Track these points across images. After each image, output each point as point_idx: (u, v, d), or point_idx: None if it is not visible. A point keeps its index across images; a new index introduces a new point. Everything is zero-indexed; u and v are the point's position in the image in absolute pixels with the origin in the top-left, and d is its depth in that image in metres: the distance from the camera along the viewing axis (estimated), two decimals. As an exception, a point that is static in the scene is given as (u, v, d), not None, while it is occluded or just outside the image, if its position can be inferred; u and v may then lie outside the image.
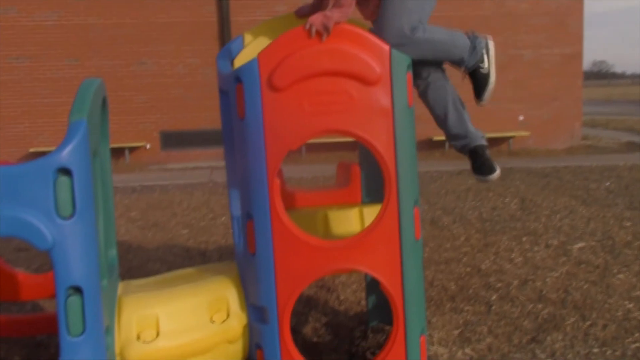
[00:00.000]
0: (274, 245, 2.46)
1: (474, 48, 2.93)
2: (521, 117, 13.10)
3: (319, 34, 2.41)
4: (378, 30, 2.78)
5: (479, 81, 3.02)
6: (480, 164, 3.05)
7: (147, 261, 4.66)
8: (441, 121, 3.09)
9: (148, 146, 12.48)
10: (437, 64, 3.00)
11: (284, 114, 2.42)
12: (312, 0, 2.96)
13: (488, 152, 3.08)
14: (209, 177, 9.88)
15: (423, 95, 3.06)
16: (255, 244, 2.50)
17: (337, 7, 2.50)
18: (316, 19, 2.40)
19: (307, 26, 2.39)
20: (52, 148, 11.77)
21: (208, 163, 11.95)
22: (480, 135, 3.10)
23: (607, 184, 7.78)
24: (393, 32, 2.73)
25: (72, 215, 2.05)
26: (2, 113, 11.99)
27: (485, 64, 2.99)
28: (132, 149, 12.39)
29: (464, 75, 3.04)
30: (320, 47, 2.41)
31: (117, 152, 11.92)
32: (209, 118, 12.15)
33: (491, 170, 3.02)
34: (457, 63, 2.96)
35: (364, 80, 2.42)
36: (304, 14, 2.93)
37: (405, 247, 2.51)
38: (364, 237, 2.49)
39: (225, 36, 12.17)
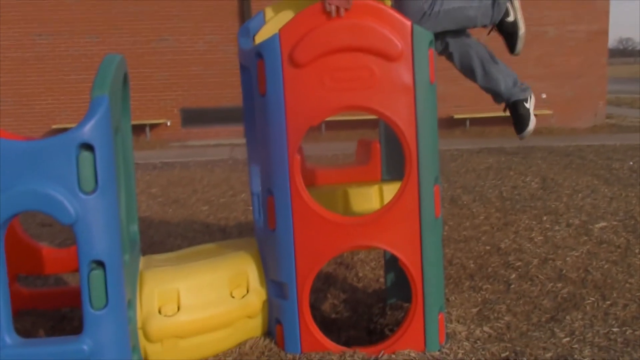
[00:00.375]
0: (294, 222, 2.48)
1: (496, 4, 2.85)
2: (544, 95, 12.92)
3: (338, 11, 2.38)
4: (397, 7, 2.75)
5: (508, 34, 2.94)
6: (515, 121, 3.00)
7: (167, 237, 4.71)
8: (471, 79, 3.02)
9: (169, 123, 12.54)
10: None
11: (305, 90, 2.41)
12: None
13: (526, 105, 2.98)
14: (230, 154, 9.92)
15: (446, 56, 2.99)
16: (275, 220, 2.51)
17: None
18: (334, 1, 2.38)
19: (326, 5, 2.37)
20: (75, 125, 11.87)
21: (228, 140, 11.98)
22: (517, 90, 2.99)
23: (631, 163, 7.66)
24: (411, 11, 2.69)
25: (94, 191, 2.07)
26: (25, 90, 12.11)
27: (512, 15, 2.91)
28: (153, 126, 12.46)
29: (490, 31, 2.99)
30: (341, 22, 2.40)
31: (138, 129, 11.99)
32: (230, 95, 12.16)
33: (523, 126, 2.96)
34: (483, 26, 2.91)
35: (386, 56, 2.40)
36: None
37: (425, 224, 2.51)
38: (383, 214, 2.49)
39: (245, 13, 12.11)
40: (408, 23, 2.42)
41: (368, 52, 2.41)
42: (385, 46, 2.40)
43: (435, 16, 2.73)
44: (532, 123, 2.98)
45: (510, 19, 2.91)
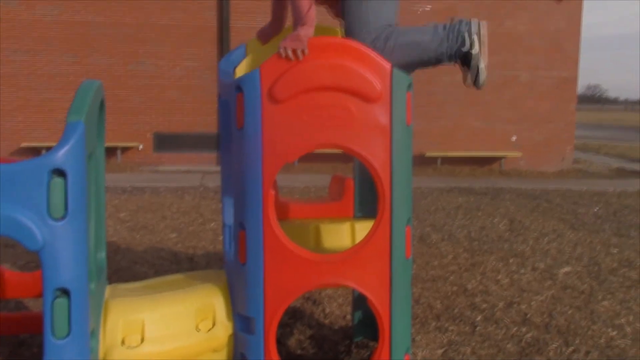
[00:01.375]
0: (265, 257, 2.47)
1: (454, 36, 2.77)
2: (514, 138, 13.18)
3: (296, 54, 2.42)
4: (348, 34, 2.76)
5: (471, 66, 2.81)
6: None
7: (134, 263, 4.64)
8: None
9: (141, 147, 12.44)
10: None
11: (283, 126, 2.42)
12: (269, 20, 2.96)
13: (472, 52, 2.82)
14: (201, 181, 9.86)
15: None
16: (246, 254, 2.50)
17: (301, 26, 2.53)
18: (287, 43, 2.42)
19: (282, 51, 2.41)
20: (44, 144, 11.64)
21: (200, 167, 11.93)
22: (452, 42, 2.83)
23: (596, 209, 7.83)
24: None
25: (63, 217, 2.04)
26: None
27: (476, 46, 2.80)
28: (125, 149, 12.35)
29: (454, 64, 2.89)
30: (322, 62, 2.42)
31: (109, 151, 11.87)
32: (204, 122, 12.14)
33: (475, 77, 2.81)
34: (439, 60, 2.82)
35: (364, 97, 2.43)
36: (265, 34, 2.94)
37: (395, 265, 2.52)
38: (355, 252, 2.50)
39: (225, 41, 12.19)
40: (387, 66, 2.46)
41: (347, 92, 2.43)
42: (364, 87, 2.43)
43: (390, 51, 2.72)
44: (482, 73, 2.80)
45: (466, 48, 2.79)
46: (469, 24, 2.77)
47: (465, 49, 2.76)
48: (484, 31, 2.80)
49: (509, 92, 12.99)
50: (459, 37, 2.77)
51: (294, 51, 2.41)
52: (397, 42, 2.73)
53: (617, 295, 4.14)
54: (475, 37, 2.77)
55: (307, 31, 2.49)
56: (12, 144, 11.96)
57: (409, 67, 2.78)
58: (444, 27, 2.78)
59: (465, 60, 2.80)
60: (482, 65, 2.79)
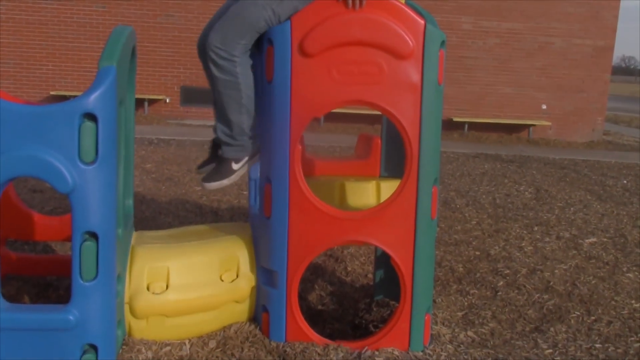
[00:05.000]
0: (290, 211, 2.47)
1: (247, 146, 2.63)
2: (544, 106, 12.95)
3: (354, 4, 2.37)
4: (208, 27, 2.58)
5: (220, 167, 2.67)
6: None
7: (159, 214, 4.69)
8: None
9: (168, 100, 12.47)
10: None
11: (312, 81, 2.40)
12: None
13: (233, 165, 2.70)
14: (226, 136, 9.85)
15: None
16: (271, 208, 2.51)
17: None
18: None
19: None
20: (74, 92, 11.73)
21: (226, 122, 11.93)
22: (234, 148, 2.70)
23: (624, 181, 7.70)
24: (211, 43, 2.45)
25: (94, 161, 2.06)
26: (27, 54, 12.00)
27: (239, 166, 2.66)
28: (152, 102, 12.39)
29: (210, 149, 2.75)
30: (354, 15, 2.38)
31: (137, 103, 11.89)
32: (231, 77, 12.09)
33: (216, 177, 2.69)
34: (223, 130, 2.61)
35: (396, 54, 2.39)
36: None
37: (420, 225, 2.51)
38: (380, 210, 2.49)
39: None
40: (421, 22, 2.41)
41: (379, 47, 2.40)
42: (397, 43, 2.39)
43: (227, 69, 2.50)
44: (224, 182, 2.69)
45: (235, 167, 2.66)
46: (255, 148, 2.66)
47: (238, 164, 2.67)
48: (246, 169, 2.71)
49: (542, 59, 12.70)
50: (245, 150, 2.65)
51: (354, 1, 2.36)
52: (239, 70, 2.52)
53: (642, 268, 4.09)
54: (245, 162, 2.68)
55: None
56: (41, 91, 12.07)
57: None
58: (248, 137, 2.62)
59: (222, 160, 2.68)
60: (228, 182, 2.69)
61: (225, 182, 2.66)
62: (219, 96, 2.56)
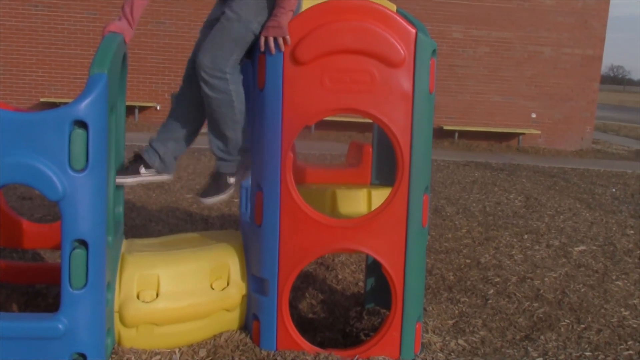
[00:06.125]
0: (281, 219, 2.47)
1: (242, 160, 2.70)
2: (534, 115, 13.02)
3: (277, 45, 2.37)
4: (196, 49, 2.63)
5: (217, 184, 2.69)
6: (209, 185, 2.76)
7: (149, 221, 4.67)
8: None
9: (158, 107, 12.44)
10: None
11: (304, 88, 2.40)
12: None
13: (228, 180, 2.74)
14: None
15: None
16: (262, 215, 2.50)
17: (282, 9, 2.41)
18: (269, 32, 2.37)
19: (262, 44, 2.38)
20: (65, 99, 11.62)
21: (216, 130, 11.91)
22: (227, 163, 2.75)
23: (613, 190, 7.75)
24: (202, 64, 2.51)
25: (84, 169, 2.05)
26: (17, 60, 11.95)
27: (235, 180, 2.71)
28: (142, 109, 12.36)
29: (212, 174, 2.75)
30: (346, 24, 2.39)
31: (127, 110, 11.86)
32: (222, 85, 12.08)
33: (211, 192, 2.71)
34: (218, 146, 2.66)
35: (388, 62, 2.40)
36: None
37: (411, 233, 2.51)
38: (371, 218, 2.49)
39: None
40: (413, 30, 2.42)
41: (370, 55, 2.40)
42: (388, 52, 2.39)
43: (220, 88, 2.55)
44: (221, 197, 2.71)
45: (230, 181, 2.70)
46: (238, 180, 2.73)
47: (230, 179, 2.71)
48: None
49: (531, 68, 12.79)
50: (232, 169, 2.70)
51: (276, 40, 2.37)
52: (232, 88, 2.57)
53: (632, 276, 4.11)
54: (231, 183, 2.72)
55: (288, 16, 2.40)
56: (31, 98, 12.01)
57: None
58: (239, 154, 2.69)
59: (219, 175, 2.72)
60: (224, 197, 2.72)
61: (223, 196, 2.70)
62: (213, 114, 2.59)
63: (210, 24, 2.62)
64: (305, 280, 3.59)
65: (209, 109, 2.59)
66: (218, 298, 2.57)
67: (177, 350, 2.53)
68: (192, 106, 2.70)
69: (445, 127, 12.30)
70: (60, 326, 2.08)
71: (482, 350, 2.85)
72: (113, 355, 2.40)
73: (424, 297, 2.83)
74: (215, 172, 2.72)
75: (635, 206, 6.68)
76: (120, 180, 2.62)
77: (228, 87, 2.50)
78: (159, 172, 2.73)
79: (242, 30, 2.47)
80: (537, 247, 4.69)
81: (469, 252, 4.44)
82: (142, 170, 2.69)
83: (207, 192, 2.70)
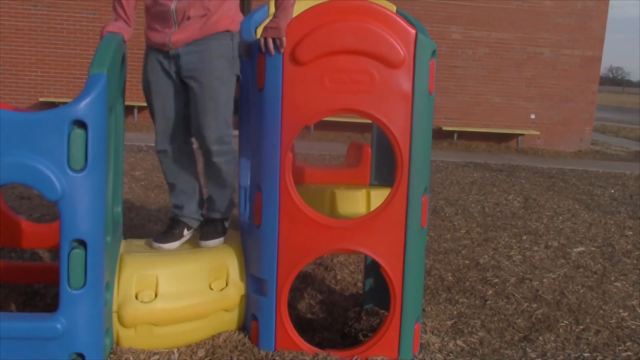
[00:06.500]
0: (280, 219, 2.47)
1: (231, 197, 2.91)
2: (533, 116, 13.02)
3: (275, 47, 2.39)
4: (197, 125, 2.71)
5: (215, 229, 2.84)
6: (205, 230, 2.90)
7: (148, 221, 4.67)
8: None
9: (157, 107, 12.43)
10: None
11: (303, 89, 2.40)
12: None
13: (225, 224, 2.94)
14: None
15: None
16: (261, 216, 2.50)
17: (282, 10, 2.46)
18: (268, 33, 2.38)
19: (262, 44, 2.40)
20: (64, 99, 11.60)
21: (216, 130, 11.90)
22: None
23: (612, 191, 7.75)
24: (211, 142, 2.70)
25: (83, 169, 2.05)
26: (16, 60, 11.94)
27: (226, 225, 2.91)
28: (142, 109, 12.34)
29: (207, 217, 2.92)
30: (346, 24, 2.39)
31: (127, 110, 11.85)
32: (221, 85, 12.07)
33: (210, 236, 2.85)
34: (219, 206, 2.88)
35: (387, 62, 2.40)
36: None
37: (410, 233, 2.51)
38: (370, 219, 2.49)
39: (246, 1, 12.07)
40: (413, 31, 2.42)
41: (370, 56, 2.40)
42: (388, 52, 2.39)
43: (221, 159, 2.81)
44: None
45: (226, 224, 2.91)
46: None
47: (227, 222, 2.96)
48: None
49: (531, 69, 12.79)
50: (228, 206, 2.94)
51: (273, 42, 2.39)
52: (229, 158, 2.84)
53: (630, 277, 4.11)
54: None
55: (287, 19, 2.43)
56: (30, 98, 12.00)
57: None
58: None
59: (214, 221, 2.91)
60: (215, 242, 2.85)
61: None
62: (219, 173, 2.79)
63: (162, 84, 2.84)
64: (304, 281, 3.58)
65: (216, 171, 2.78)
66: (217, 298, 2.57)
67: (175, 351, 2.53)
68: (184, 161, 2.88)
69: (445, 128, 12.30)
70: (58, 326, 2.08)
71: (481, 351, 2.86)
72: (111, 356, 2.39)
73: (422, 298, 2.83)
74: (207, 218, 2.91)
75: (634, 207, 6.69)
76: (168, 245, 2.78)
77: (232, 146, 2.70)
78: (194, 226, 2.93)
79: (229, 90, 2.67)
80: (535, 248, 4.69)
81: (468, 252, 4.44)
82: (185, 231, 2.87)
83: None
